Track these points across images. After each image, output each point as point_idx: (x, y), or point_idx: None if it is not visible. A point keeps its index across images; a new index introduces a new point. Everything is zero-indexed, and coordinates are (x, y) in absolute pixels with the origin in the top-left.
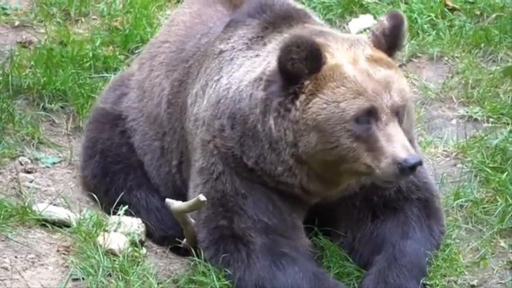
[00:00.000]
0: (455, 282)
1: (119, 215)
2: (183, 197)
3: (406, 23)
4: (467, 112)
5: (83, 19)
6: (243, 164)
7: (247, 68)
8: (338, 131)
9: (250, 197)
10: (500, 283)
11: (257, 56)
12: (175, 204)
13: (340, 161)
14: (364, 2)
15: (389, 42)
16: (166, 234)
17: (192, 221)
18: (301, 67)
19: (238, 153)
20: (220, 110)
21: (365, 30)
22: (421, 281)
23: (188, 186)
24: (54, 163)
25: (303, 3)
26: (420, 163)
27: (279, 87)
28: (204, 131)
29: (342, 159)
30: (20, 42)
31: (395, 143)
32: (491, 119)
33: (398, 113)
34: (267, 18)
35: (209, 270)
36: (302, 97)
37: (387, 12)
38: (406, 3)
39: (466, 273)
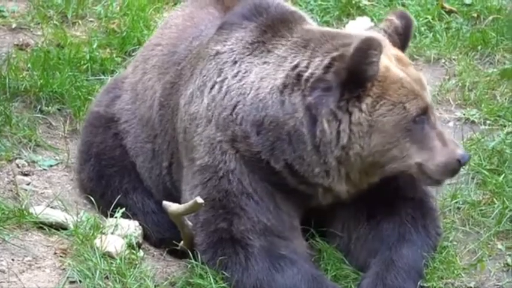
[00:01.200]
0: (453, 284)
1: (116, 217)
2: (173, 199)
3: (413, 20)
4: (464, 114)
5: (80, 21)
6: (266, 167)
7: (259, 75)
8: (399, 131)
9: (254, 196)
10: (497, 285)
11: (265, 63)
12: (172, 206)
13: (389, 162)
14: (361, 4)
15: (402, 41)
16: (163, 236)
17: (189, 223)
18: (376, 69)
19: (266, 158)
20: (239, 116)
21: None
22: (418, 283)
23: (180, 188)
24: (51, 166)
25: (300, 5)
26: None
27: (336, 90)
28: (214, 130)
29: (393, 159)
30: (17, 45)
31: (448, 142)
32: (488, 121)
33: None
34: (264, 21)
35: (206, 272)
36: (368, 100)
37: (393, 11)
38: (403, 5)
39: (463, 275)
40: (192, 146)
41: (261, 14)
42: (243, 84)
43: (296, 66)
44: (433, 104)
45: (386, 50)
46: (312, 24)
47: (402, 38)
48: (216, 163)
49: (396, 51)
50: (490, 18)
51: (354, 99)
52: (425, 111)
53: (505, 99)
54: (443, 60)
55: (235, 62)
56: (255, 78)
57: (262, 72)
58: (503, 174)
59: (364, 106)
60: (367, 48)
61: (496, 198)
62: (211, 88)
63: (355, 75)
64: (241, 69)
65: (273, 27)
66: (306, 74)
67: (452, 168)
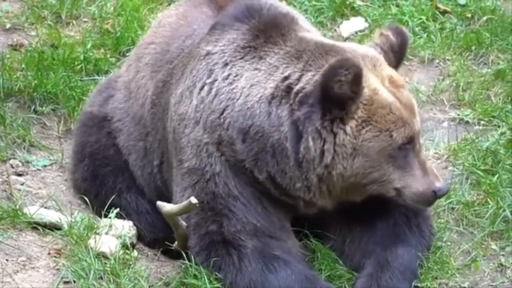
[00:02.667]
0: (447, 284)
1: (110, 217)
2: (164, 197)
3: (409, 37)
4: (458, 115)
5: (74, 22)
6: (250, 175)
7: (249, 81)
8: (383, 157)
9: (241, 199)
10: (492, 285)
11: (256, 69)
12: (166, 207)
13: (370, 183)
14: (355, 5)
15: (397, 59)
16: (157, 237)
17: (183, 223)
18: (347, 90)
19: (250, 167)
20: (226, 121)
21: (356, 32)
22: (413, 284)
23: (171, 189)
24: (45, 166)
25: (294, 6)
26: (449, 191)
27: (319, 109)
28: (201, 132)
29: (373, 182)
30: (11, 45)
31: (429, 171)
32: (482, 122)
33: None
34: (256, 24)
35: (200, 273)
36: (353, 123)
37: (390, 26)
38: (397, 5)
39: (457, 275)
40: (180, 147)
41: (253, 16)
42: (233, 88)
43: (287, 77)
44: (420, 130)
45: (379, 70)
46: (305, 26)
47: (397, 55)
48: (202, 166)
49: (391, 72)
50: (484, 18)
51: (338, 120)
52: (411, 140)
53: (499, 99)
54: (437, 61)
55: (226, 64)
56: (245, 84)
57: (253, 78)
58: (497, 175)
59: (348, 129)
60: (338, 67)
61: (490, 199)
62: (201, 89)
63: (327, 94)
64: (232, 72)
65: (266, 31)
66: (297, 88)
67: (427, 199)
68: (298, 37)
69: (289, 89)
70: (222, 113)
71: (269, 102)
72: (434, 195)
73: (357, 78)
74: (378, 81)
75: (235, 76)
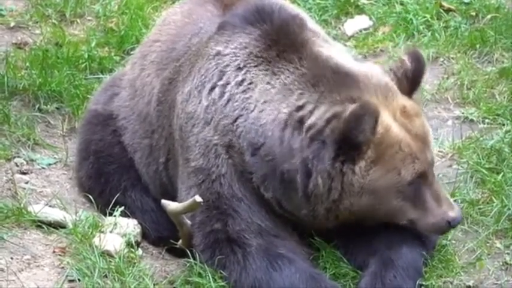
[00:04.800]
0: (451, 283)
1: (114, 216)
2: (169, 195)
3: (426, 62)
4: (462, 113)
5: (78, 20)
6: (257, 190)
7: (263, 96)
8: (391, 193)
9: (245, 201)
10: (496, 284)
11: (269, 84)
12: (171, 205)
13: (379, 216)
14: (359, 3)
15: (411, 86)
16: (161, 235)
17: (188, 222)
18: (369, 135)
19: (256, 182)
20: (239, 129)
21: (360, 31)
22: (417, 282)
23: (176, 186)
24: (49, 164)
25: (298, 4)
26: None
27: (333, 151)
28: (212, 133)
29: (383, 214)
30: (16, 44)
31: (443, 202)
32: (486, 120)
33: (434, 163)
34: (268, 30)
35: (205, 271)
36: (362, 163)
37: (408, 50)
38: (401, 4)
39: (462, 274)
40: (187, 146)
41: (264, 20)
42: (248, 98)
43: (301, 107)
44: (433, 160)
45: (390, 101)
46: (313, 28)
47: (411, 83)
48: (209, 166)
49: (403, 101)
50: (489, 16)
51: (349, 161)
52: (422, 175)
53: (504, 97)
54: (441, 59)
55: (239, 69)
56: (259, 98)
57: (267, 94)
58: (502, 173)
59: (357, 169)
60: (362, 115)
61: (495, 197)
62: (211, 90)
63: (348, 139)
64: (246, 79)
65: (278, 42)
66: (309, 122)
67: (442, 230)
68: (314, 54)
69: (301, 121)
70: (235, 121)
71: (282, 130)
72: (448, 225)
73: (376, 123)
74: (390, 115)
75: (250, 84)
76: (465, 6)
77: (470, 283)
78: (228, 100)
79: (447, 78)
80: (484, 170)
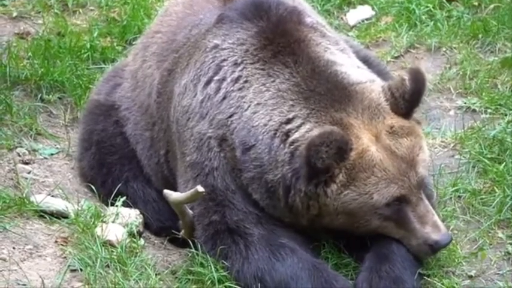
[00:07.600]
0: (453, 272)
1: (116, 206)
2: (170, 186)
3: (426, 84)
4: (465, 103)
5: (80, 10)
6: (246, 187)
7: (257, 97)
8: (368, 214)
9: (239, 192)
10: (498, 274)
11: (264, 86)
12: (173, 195)
13: (367, 232)
14: None
15: (407, 107)
16: (163, 225)
17: (190, 212)
18: (329, 163)
19: (245, 182)
20: (232, 125)
21: (363, 21)
22: (417, 271)
23: (176, 178)
24: (51, 154)
25: None
26: (451, 241)
27: (305, 174)
28: (206, 126)
29: (370, 231)
30: (18, 34)
31: (427, 224)
32: (489, 110)
33: (423, 183)
34: (264, 28)
35: (207, 261)
36: (333, 187)
37: (410, 69)
38: None
39: (464, 263)
40: (183, 140)
41: (261, 17)
42: (243, 97)
43: (290, 120)
44: (422, 180)
45: (375, 123)
46: (312, 20)
47: (407, 104)
48: (202, 160)
49: (393, 121)
50: (491, 6)
51: (321, 184)
52: (401, 198)
53: (506, 87)
54: (444, 49)
55: (236, 64)
56: (253, 98)
57: (261, 97)
58: (504, 163)
59: (329, 191)
60: (318, 145)
61: (497, 187)
62: (206, 84)
63: (310, 165)
64: (242, 76)
65: (274, 41)
66: (292, 138)
67: (424, 253)
68: (311, 59)
69: (288, 135)
70: (230, 117)
71: (271, 138)
72: (430, 248)
73: (340, 151)
74: (371, 137)
75: (245, 82)
76: None
77: (472, 273)
78: (224, 97)
79: (449, 68)
80: (486, 160)
